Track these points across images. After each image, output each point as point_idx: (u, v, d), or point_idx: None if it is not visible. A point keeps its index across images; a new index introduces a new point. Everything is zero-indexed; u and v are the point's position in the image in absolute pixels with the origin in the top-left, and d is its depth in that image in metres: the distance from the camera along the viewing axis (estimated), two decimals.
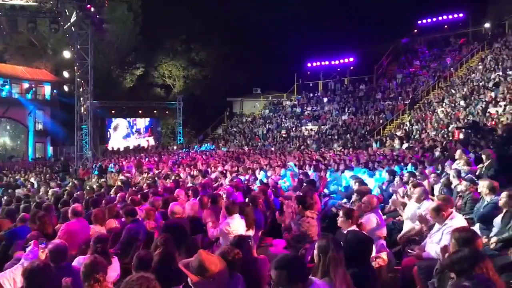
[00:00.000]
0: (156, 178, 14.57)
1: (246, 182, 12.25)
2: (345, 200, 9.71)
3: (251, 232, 6.46)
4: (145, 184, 12.42)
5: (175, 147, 38.43)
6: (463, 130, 19.24)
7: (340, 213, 5.49)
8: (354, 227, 5.17)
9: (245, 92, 45.04)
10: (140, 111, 42.60)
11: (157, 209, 7.63)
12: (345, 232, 5.12)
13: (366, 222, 5.86)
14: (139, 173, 18.29)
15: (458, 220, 5.29)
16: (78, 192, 11.39)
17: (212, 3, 41.88)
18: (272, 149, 30.19)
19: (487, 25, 34.85)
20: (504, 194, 6.13)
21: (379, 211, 6.65)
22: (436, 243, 5.28)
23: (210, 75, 45.28)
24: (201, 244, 6.72)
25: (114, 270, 4.74)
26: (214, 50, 44.23)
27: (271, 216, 8.47)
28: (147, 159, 26.21)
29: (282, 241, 6.76)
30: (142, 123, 43.36)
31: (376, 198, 7.10)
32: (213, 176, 14.32)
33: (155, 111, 43.77)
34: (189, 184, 12.07)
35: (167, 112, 44.47)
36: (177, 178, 14.15)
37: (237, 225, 6.27)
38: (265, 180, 12.19)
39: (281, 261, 3.04)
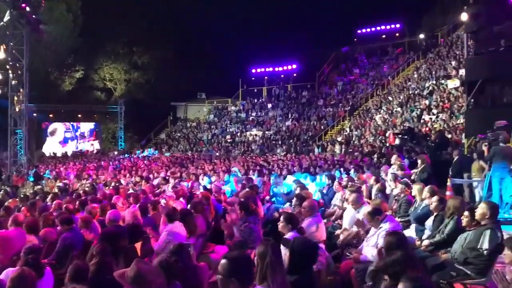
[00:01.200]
0: (95, 184, 14.12)
1: (189, 188, 12.12)
2: (287, 204, 9.83)
3: (193, 239, 6.40)
4: (81, 191, 12.00)
5: (116, 153, 37.39)
6: (400, 136, 20.06)
7: (281, 218, 5.56)
8: (294, 233, 5.24)
9: (190, 96, 44.65)
10: (79, 115, 41.15)
11: (94, 217, 7.38)
12: (287, 237, 5.18)
13: (306, 226, 5.96)
14: (77, 179, 17.64)
15: (392, 223, 5.50)
16: (11, 200, 10.80)
17: (155, 5, 41.29)
18: (217, 154, 30.11)
19: (421, 35, 36.64)
20: (434, 198, 6.46)
21: (319, 215, 6.79)
22: (373, 246, 5.48)
23: (153, 78, 44.47)
24: (141, 252, 6.57)
25: (46, 282, 4.53)
26: (158, 53, 43.47)
27: (214, 222, 8.43)
28: (86, 164, 25.34)
29: (225, 248, 6.74)
30: (86, 126, 41.88)
31: (317, 203, 7.26)
32: (155, 182, 14.08)
33: (95, 115, 42.42)
34: (130, 191, 11.77)
35: (108, 116, 43.25)
36: (117, 184, 13.77)
37: (177, 233, 6.19)
38: (208, 186, 12.13)
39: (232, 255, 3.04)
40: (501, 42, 16.84)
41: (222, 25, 43.47)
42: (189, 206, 7.91)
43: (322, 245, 5.85)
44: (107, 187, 13.31)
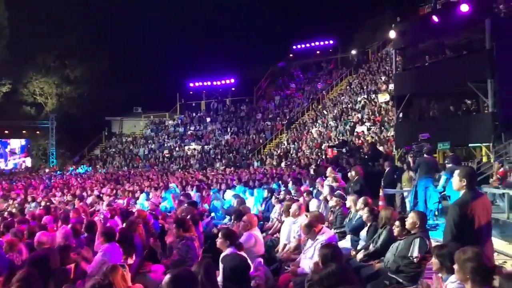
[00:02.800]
0: (23, 204, 13.34)
1: (125, 205, 11.75)
2: (227, 219, 9.79)
3: (129, 260, 6.19)
4: (6, 213, 11.29)
5: (47, 170, 35.62)
6: (334, 148, 20.63)
7: (219, 234, 5.52)
8: (232, 248, 5.21)
9: (125, 111, 43.56)
10: (6, 131, 38.88)
11: (21, 239, 6.95)
12: (226, 253, 5.14)
13: (245, 241, 5.95)
14: (3, 199, 16.57)
15: (328, 235, 5.62)
16: None
17: (89, 17, 40.13)
18: (154, 170, 29.50)
19: (353, 52, 38.16)
20: (366, 210, 6.69)
21: (258, 229, 6.81)
22: (310, 258, 5.56)
23: (86, 92, 42.91)
24: (73, 275, 6.25)
25: None
26: (91, 66, 42.04)
27: (151, 241, 8.20)
28: (14, 183, 23.92)
29: (162, 267, 6.58)
30: (17, 143, 39.51)
31: (256, 217, 7.29)
32: (89, 200, 13.53)
33: (24, 131, 40.27)
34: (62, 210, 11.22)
35: (38, 132, 41.17)
36: (48, 204, 13.08)
37: (113, 253, 5.97)
38: (145, 203, 11.84)
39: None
40: (425, 59, 17.93)
41: (159, 38, 43.09)
42: (124, 224, 7.66)
43: (260, 259, 5.86)
44: (35, 207, 12.61)
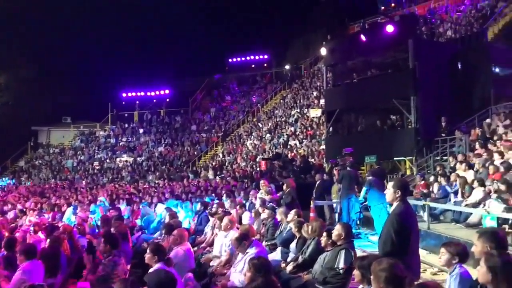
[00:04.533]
0: None
1: (50, 220, 11.18)
2: (158, 234, 9.59)
3: (51, 279, 5.89)
4: None
5: None
6: (268, 161, 20.92)
7: (148, 249, 5.39)
8: (161, 264, 5.11)
9: (53, 120, 41.61)
10: None
11: None
12: (155, 269, 5.03)
13: (174, 256, 5.86)
14: None
15: (258, 248, 5.66)
16: None
17: (14, 22, 38.03)
18: (83, 182, 28.33)
19: (287, 67, 39.04)
20: (294, 223, 6.83)
21: (188, 243, 6.73)
22: (240, 272, 5.57)
23: (11, 101, 40.51)
24: None
25: None
26: (17, 74, 39.79)
27: (76, 257, 7.85)
28: None
29: (87, 284, 6.31)
30: None
31: (187, 231, 7.21)
32: (10, 215, 12.74)
33: None
34: None
35: None
36: None
37: (34, 272, 5.65)
38: (72, 217, 11.34)
39: None
40: (354, 76, 18.74)
41: (90, 46, 41.61)
42: (48, 240, 7.28)
43: (190, 274, 5.79)
44: None
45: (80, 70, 41.40)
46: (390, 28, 16.01)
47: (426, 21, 20.53)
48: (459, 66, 16.76)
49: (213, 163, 27.95)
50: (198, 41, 43.48)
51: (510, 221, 7.73)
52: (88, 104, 41.33)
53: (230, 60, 43.77)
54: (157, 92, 41.91)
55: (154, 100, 41.96)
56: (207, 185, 19.00)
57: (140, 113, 40.81)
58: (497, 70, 17.62)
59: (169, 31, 43.90)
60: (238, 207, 9.95)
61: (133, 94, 42.07)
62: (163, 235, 8.05)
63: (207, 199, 12.24)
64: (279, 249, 7.12)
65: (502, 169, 9.76)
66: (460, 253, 3.95)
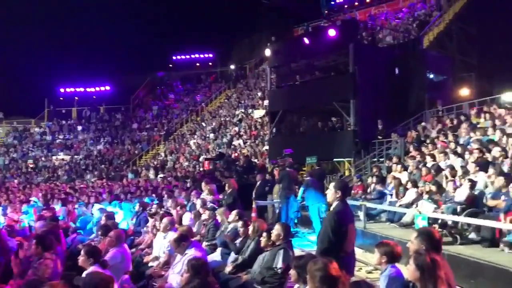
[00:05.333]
0: None
1: None
2: (93, 235, 9.26)
3: None
4: None
5: None
6: (212, 161, 20.83)
7: (82, 251, 5.19)
8: (96, 266, 4.92)
9: None
10: None
11: None
12: (89, 271, 4.84)
13: (110, 258, 5.67)
14: None
15: (197, 250, 5.60)
16: None
17: None
18: (15, 181, 26.86)
19: (232, 66, 39.05)
20: (240, 223, 6.82)
21: (125, 245, 6.54)
22: (178, 273, 5.48)
23: None
24: None
25: None
26: None
27: (5, 260, 7.42)
28: None
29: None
30: None
31: (124, 232, 7.00)
32: None
33: None
34: None
35: None
36: None
37: None
38: (1, 219, 10.72)
39: None
40: (296, 78, 19.04)
41: (25, 38, 39.55)
42: None
43: (127, 276, 5.63)
44: None
45: (15, 63, 39.26)
46: (332, 32, 16.40)
47: (367, 26, 21.18)
48: (397, 71, 17.45)
49: (155, 163, 27.45)
50: (141, 37, 42.43)
51: (439, 221, 8.11)
52: (22, 98, 39.29)
53: (174, 57, 43.17)
54: (97, 88, 40.60)
55: (94, 97, 40.56)
56: (148, 185, 18.61)
57: (78, 109, 39.30)
58: (431, 76, 18.56)
59: (111, 25, 42.41)
60: (178, 207, 9.79)
61: (72, 89, 40.51)
62: (99, 236, 7.77)
63: (146, 200, 11.97)
64: (219, 250, 7.08)
65: (433, 171, 10.25)
66: (388, 253, 4.08)
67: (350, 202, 10.97)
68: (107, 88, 40.46)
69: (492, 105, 13.25)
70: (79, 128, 36.58)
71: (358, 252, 8.85)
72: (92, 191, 16.76)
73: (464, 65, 23.57)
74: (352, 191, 12.22)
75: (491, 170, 8.49)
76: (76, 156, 31.89)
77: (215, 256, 6.95)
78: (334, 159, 16.63)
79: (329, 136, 17.47)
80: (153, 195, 13.81)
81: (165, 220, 7.34)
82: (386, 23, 26.65)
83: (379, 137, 15.53)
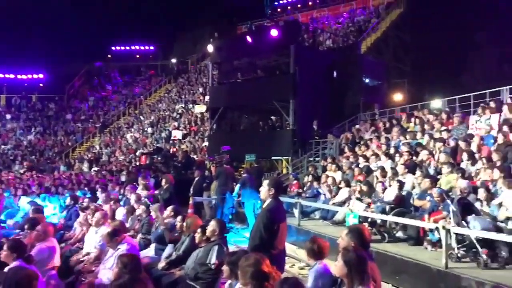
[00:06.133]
0: None
1: None
2: (18, 230, 8.82)
3: None
4: None
5: None
6: (149, 155, 20.46)
7: (4, 246, 4.92)
8: (20, 261, 4.69)
9: None
10: None
11: None
12: (12, 266, 4.60)
13: (37, 253, 5.43)
14: None
15: (129, 245, 5.49)
16: None
17: None
18: None
19: (173, 60, 38.48)
20: (178, 218, 6.75)
21: (54, 239, 6.28)
22: (110, 268, 5.34)
23: None
24: None
25: None
26: None
27: None
28: None
29: None
30: None
31: (53, 226, 6.72)
32: None
33: None
34: None
35: None
36: None
37: None
38: None
39: None
40: (238, 75, 19.11)
41: None
42: None
43: (54, 272, 5.43)
44: None
45: None
46: (274, 32, 16.61)
47: (308, 29, 21.65)
48: (335, 74, 18.00)
49: (89, 155, 26.52)
50: (79, 24, 40.67)
51: (369, 219, 8.47)
52: None
53: (113, 48, 41.83)
54: (30, 76, 38.49)
55: (26, 84, 38.43)
56: (81, 179, 17.96)
57: (8, 97, 37.10)
58: (367, 80, 19.30)
59: (46, 11, 40.42)
60: (112, 202, 9.53)
61: (1, 75, 38.13)
62: (25, 230, 7.41)
63: (78, 193, 11.55)
64: (153, 245, 6.97)
65: (365, 171, 10.68)
66: (314, 249, 4.22)
67: (286, 199, 11.27)
68: (41, 76, 38.50)
69: (422, 111, 13.98)
70: (8, 116, 34.56)
71: (292, 249, 9.06)
72: (20, 183, 15.92)
73: (398, 72, 24.73)
74: (288, 189, 12.49)
75: (418, 172, 8.97)
76: (3, 146, 30.10)
77: (149, 252, 6.84)
78: (273, 157, 16.87)
79: (268, 135, 17.69)
80: (86, 188, 13.35)
81: (97, 214, 7.13)
82: (327, 27, 27.36)
83: (316, 137, 15.95)
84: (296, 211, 10.58)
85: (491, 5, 27.26)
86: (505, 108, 10.31)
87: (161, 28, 40.67)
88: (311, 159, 15.44)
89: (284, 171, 16.27)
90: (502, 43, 26.35)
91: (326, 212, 10.36)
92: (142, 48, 41.45)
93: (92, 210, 7.53)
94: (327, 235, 8.32)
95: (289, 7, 33.76)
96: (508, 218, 6.53)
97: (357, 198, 9.23)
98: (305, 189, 12.04)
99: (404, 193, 8.77)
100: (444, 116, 11.97)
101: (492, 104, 11.09)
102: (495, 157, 8.14)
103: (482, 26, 27.64)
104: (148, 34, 40.39)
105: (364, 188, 9.38)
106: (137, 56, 41.46)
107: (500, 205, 6.82)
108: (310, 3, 33.04)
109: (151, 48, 41.30)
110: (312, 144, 15.89)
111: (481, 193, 7.12)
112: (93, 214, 7.31)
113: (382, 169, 9.96)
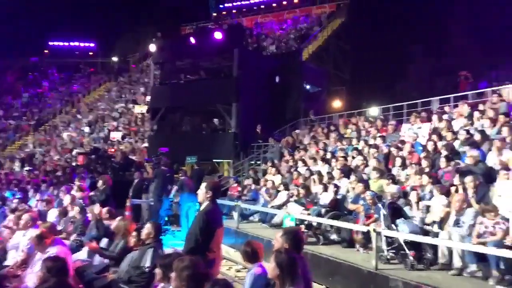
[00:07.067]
0: None
1: None
2: None
3: None
4: None
5: None
6: (86, 155, 19.74)
7: None
8: None
9: None
10: None
11: None
12: None
13: None
14: None
15: (59, 248, 5.29)
16: None
17: None
18: None
19: (114, 58, 37.50)
20: (117, 219, 6.57)
21: None
22: (37, 272, 5.12)
23: None
24: None
25: None
26: None
27: None
28: None
29: None
30: None
31: None
32: None
33: None
34: None
35: None
36: None
37: None
38: None
39: None
40: (181, 76, 18.93)
41: None
42: None
43: None
44: None
45: None
46: (218, 35, 16.63)
47: (252, 33, 21.86)
48: (277, 79, 18.26)
49: (21, 154, 25.20)
50: (15, 17, 38.66)
51: (306, 222, 8.66)
52: None
53: (51, 43, 40.12)
54: None
55: None
56: (11, 178, 17.05)
57: None
58: (308, 86, 19.76)
59: None
60: (44, 203, 9.15)
61: None
62: None
63: (7, 194, 10.97)
64: (85, 248, 6.76)
65: (303, 175, 10.91)
66: (250, 252, 4.28)
67: (225, 202, 11.32)
68: None
69: (358, 118, 14.49)
70: None
71: (230, 251, 9.11)
72: None
73: (338, 79, 25.52)
74: (229, 192, 12.53)
75: (352, 177, 9.29)
76: None
77: (81, 255, 6.63)
78: (214, 160, 16.84)
79: (210, 137, 17.63)
80: (16, 189, 12.69)
81: (25, 216, 6.83)
82: (271, 33, 27.73)
83: (259, 140, 16.10)
84: (235, 214, 10.65)
85: (426, 21, 28.87)
86: (434, 117, 10.90)
87: (102, 25, 39.50)
88: (253, 162, 15.57)
89: (226, 174, 16.29)
90: (434, 57, 27.96)
91: (265, 215, 10.49)
92: (81, 44, 40.10)
93: (22, 212, 7.19)
94: (265, 238, 8.44)
95: (234, 11, 33.91)
96: (434, 222, 6.91)
97: (296, 201, 9.42)
98: (245, 192, 12.12)
99: (339, 196, 9.05)
100: (379, 123, 12.46)
101: (423, 114, 11.69)
102: (424, 163, 8.58)
103: (418, 40, 29.25)
104: (88, 31, 39.18)
105: (302, 191, 9.58)
106: (76, 52, 40.02)
107: (428, 209, 7.22)
108: (255, 8, 33.39)
109: (91, 45, 40.04)
110: (253, 147, 16.03)
111: (412, 197, 7.47)
112: (20, 216, 6.99)
113: (319, 173, 10.23)
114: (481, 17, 26.84)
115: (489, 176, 7.21)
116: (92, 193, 10.55)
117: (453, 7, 28.83)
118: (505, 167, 7.05)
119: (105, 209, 7.37)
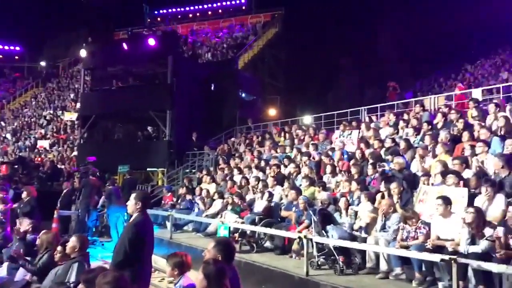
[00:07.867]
0: None
1: None
2: None
3: None
4: None
5: None
6: (10, 164, 18.63)
7: None
8: None
9: None
10: None
11: None
12: None
13: None
14: None
15: None
16: None
17: None
18: None
19: (43, 63, 35.82)
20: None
21: None
22: None
23: None
24: None
25: None
26: None
27: None
28: None
29: None
30: None
31: None
32: None
33: None
34: None
35: None
36: None
37: None
38: None
39: None
40: (113, 82, 18.41)
41: None
42: None
43: None
44: None
45: None
46: (152, 42, 16.37)
47: (187, 41, 21.72)
48: (213, 87, 18.26)
49: None
50: None
51: (240, 230, 8.67)
52: None
53: None
54: None
55: None
56: None
57: None
58: (243, 95, 19.91)
59: None
60: None
61: None
62: None
63: None
64: (5, 264, 6.36)
65: (238, 183, 10.95)
66: (178, 264, 4.20)
67: (158, 212, 11.11)
68: None
69: (292, 126, 14.77)
70: None
71: (163, 263, 8.89)
72: None
73: (272, 88, 25.92)
74: (162, 201, 12.31)
75: (286, 184, 9.44)
76: None
77: (1, 272, 6.23)
78: (148, 169, 16.47)
79: (144, 145, 17.28)
80: None
81: None
82: (206, 40, 27.72)
83: (195, 148, 15.96)
84: (168, 224, 10.46)
85: (356, 34, 30.11)
86: (363, 126, 11.34)
87: (29, 28, 37.54)
88: (187, 170, 15.38)
89: (160, 183, 15.97)
90: (362, 69, 29.24)
91: (199, 224, 10.38)
92: (6, 48, 37.90)
93: None
94: (199, 248, 8.35)
95: (169, 17, 33.56)
96: (361, 227, 7.16)
97: (232, 209, 9.41)
98: (179, 201, 11.95)
99: (272, 204, 9.15)
100: (311, 131, 12.77)
101: (354, 123, 12.14)
102: (353, 170, 8.89)
103: (347, 52, 30.48)
104: (14, 34, 37.07)
105: (236, 200, 9.59)
106: (1, 56, 37.80)
107: (356, 215, 7.46)
108: (190, 15, 33.25)
109: (18, 48, 37.99)
110: (189, 155, 15.86)
111: (342, 204, 7.69)
112: None
113: (254, 181, 10.30)
114: (408, 31, 28.45)
115: (413, 182, 7.60)
116: (15, 205, 9.97)
117: (382, 20, 30.37)
118: (427, 174, 7.46)
119: (26, 222, 7.00)
